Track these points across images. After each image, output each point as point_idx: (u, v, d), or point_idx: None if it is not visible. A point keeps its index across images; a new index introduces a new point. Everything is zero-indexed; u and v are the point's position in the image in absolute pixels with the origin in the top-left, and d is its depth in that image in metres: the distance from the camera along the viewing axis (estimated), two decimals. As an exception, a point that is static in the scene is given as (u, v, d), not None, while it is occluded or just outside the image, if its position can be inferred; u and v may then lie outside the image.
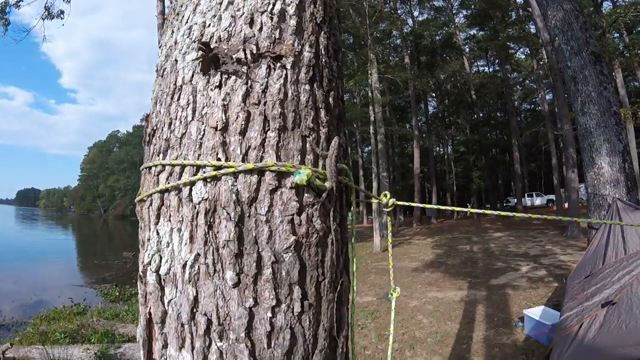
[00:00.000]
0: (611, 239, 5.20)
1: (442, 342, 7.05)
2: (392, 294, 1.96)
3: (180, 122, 1.39)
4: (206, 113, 1.34)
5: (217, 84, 1.36)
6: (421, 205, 1.75)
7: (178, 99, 1.43)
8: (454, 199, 44.42)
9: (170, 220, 1.33)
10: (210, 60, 1.37)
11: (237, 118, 1.30)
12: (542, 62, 30.43)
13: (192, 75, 1.41)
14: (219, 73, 1.36)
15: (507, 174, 46.69)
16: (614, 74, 22.53)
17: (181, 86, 1.43)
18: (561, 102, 21.21)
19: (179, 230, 1.30)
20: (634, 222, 5.05)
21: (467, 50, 41.17)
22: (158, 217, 1.37)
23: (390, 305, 1.96)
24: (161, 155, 1.43)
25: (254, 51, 1.37)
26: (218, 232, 1.24)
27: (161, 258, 1.32)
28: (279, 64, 1.38)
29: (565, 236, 18.12)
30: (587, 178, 7.40)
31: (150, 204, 1.41)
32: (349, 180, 1.55)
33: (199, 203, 1.28)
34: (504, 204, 44.76)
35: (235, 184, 1.26)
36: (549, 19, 8.04)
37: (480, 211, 1.91)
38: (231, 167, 1.26)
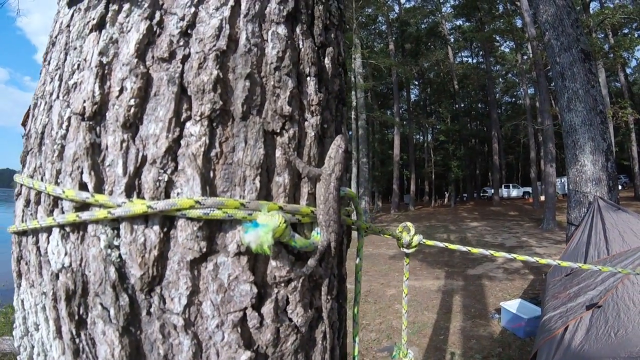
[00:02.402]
0: (593, 237, 5.23)
1: (419, 332, 7.08)
2: (397, 355, 1.32)
3: (45, 102, 0.82)
4: (75, 84, 0.75)
5: (96, 21, 0.75)
6: (446, 245, 1.34)
7: (49, 61, 0.86)
8: (432, 187, 44.86)
9: (33, 287, 0.79)
10: None
11: (121, 91, 0.70)
12: (526, 57, 30.70)
13: (72, 16, 0.82)
14: (103, 2, 0.76)
15: (485, 164, 47.49)
16: (596, 73, 23.00)
17: (56, 37, 0.86)
18: (543, 97, 21.52)
19: (44, 309, 0.76)
20: (616, 222, 5.11)
21: (452, 40, 41.24)
22: (19, 275, 0.84)
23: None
24: (22, 166, 0.88)
25: None
26: (94, 337, 0.70)
27: (33, 347, 0.81)
28: None
29: (541, 229, 18.48)
30: (569, 174, 7.46)
31: (12, 248, 0.87)
32: (356, 218, 1.00)
33: (58, 274, 0.73)
34: (481, 194, 45.49)
35: (114, 242, 0.70)
36: (541, 14, 7.99)
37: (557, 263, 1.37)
38: (102, 204, 0.69)
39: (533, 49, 23.19)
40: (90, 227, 0.70)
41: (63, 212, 0.73)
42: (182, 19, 0.72)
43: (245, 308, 0.72)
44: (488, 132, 40.01)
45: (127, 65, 0.70)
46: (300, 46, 0.83)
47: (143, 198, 0.69)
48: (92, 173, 0.70)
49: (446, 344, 6.55)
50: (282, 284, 0.76)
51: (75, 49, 0.77)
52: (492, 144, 35.75)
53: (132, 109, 0.70)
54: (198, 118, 0.70)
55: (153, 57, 0.72)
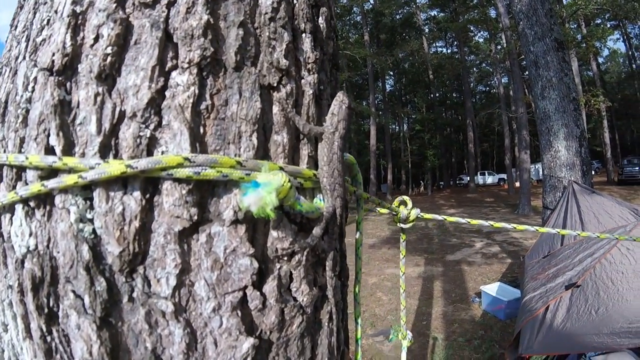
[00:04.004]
0: (568, 220, 5.42)
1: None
2: (394, 337, 1.28)
3: (10, 68, 0.72)
4: (44, 40, 0.65)
5: None
6: (446, 218, 1.35)
7: (16, 26, 0.76)
8: (409, 175, 45.33)
9: None
10: None
11: (96, 40, 0.62)
12: (500, 47, 31.20)
13: None
14: None
15: (461, 152, 48.25)
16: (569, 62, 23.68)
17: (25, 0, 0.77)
18: (517, 86, 21.97)
19: (11, 307, 0.65)
20: (590, 205, 5.29)
21: (427, 30, 41.42)
22: None
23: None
24: None
25: None
26: (68, 334, 0.60)
27: (3, 352, 0.69)
28: None
29: (516, 214, 18.91)
30: (544, 160, 7.68)
31: None
32: (357, 186, 0.93)
33: (23, 260, 0.62)
34: (457, 182, 46.24)
35: (87, 215, 0.60)
36: (515, 3, 8.16)
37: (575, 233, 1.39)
38: (72, 168, 0.59)
39: (507, 39, 23.59)
40: (58, 199, 0.60)
41: (27, 184, 0.62)
42: None
43: (245, 287, 0.63)
44: (463, 120, 40.62)
45: (104, 10, 0.62)
46: (294, 1, 0.77)
47: (121, 159, 0.60)
48: (61, 134, 0.60)
49: (429, 328, 6.66)
50: (285, 258, 0.67)
51: (45, 3, 0.68)
52: (467, 132, 36.29)
53: (109, 58, 0.61)
54: (186, 65, 0.62)
55: (134, 3, 0.64)
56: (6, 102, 0.69)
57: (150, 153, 0.61)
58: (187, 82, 0.62)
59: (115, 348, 0.58)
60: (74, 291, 0.58)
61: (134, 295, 0.59)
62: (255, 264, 0.64)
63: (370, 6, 37.60)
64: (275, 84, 0.70)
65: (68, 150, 0.61)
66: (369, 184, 33.84)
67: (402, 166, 46.13)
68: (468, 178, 38.13)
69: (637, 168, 26.65)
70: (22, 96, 0.65)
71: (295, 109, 0.73)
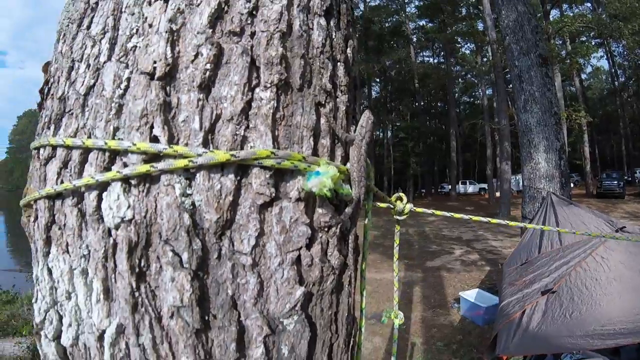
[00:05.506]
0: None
1: (382, 322, 7.27)
2: (385, 320, 1.45)
3: (88, 65, 0.85)
4: (135, 47, 0.82)
5: None
6: (434, 212, 1.52)
7: (88, 26, 0.89)
8: (391, 182, 45.65)
9: (68, 253, 0.81)
10: None
11: (196, 56, 0.79)
12: (486, 59, 31.79)
13: None
14: None
15: (443, 161, 48.73)
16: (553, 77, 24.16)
17: (96, 3, 0.90)
18: (501, 98, 22.46)
19: (84, 272, 0.79)
20: (568, 216, 5.48)
21: (415, 40, 41.98)
22: (48, 242, 0.85)
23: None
24: (52, 128, 0.88)
25: None
26: (157, 287, 0.75)
27: (61, 318, 0.82)
28: None
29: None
30: (524, 171, 7.90)
31: (36, 218, 0.88)
32: (369, 180, 1.10)
33: (117, 228, 0.76)
34: (439, 190, 46.78)
35: (188, 191, 0.77)
36: (502, 19, 8.39)
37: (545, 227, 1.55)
38: (181, 155, 0.76)
39: (493, 52, 24.07)
40: (163, 178, 0.76)
41: (127, 166, 0.77)
42: (249, 0, 0.85)
43: (301, 248, 0.82)
44: (446, 130, 41.15)
45: (203, 34, 0.80)
46: (333, 36, 0.99)
47: (218, 149, 0.79)
48: (165, 128, 0.77)
49: (408, 333, 6.77)
50: (325, 229, 0.87)
51: (132, 14, 0.84)
52: (450, 141, 36.85)
53: (208, 73, 0.79)
54: (268, 85, 0.82)
55: (222, 30, 0.82)
56: (86, 95, 0.84)
57: (242, 147, 0.80)
58: (269, 97, 0.82)
59: (202, 296, 0.75)
60: (172, 250, 0.74)
61: (222, 252, 0.77)
62: (309, 231, 0.83)
63: (360, 13, 37.92)
64: (323, 102, 0.92)
65: (170, 140, 0.77)
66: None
67: (385, 172, 46.41)
68: (449, 186, 38.68)
69: (615, 182, 27.36)
70: (114, 92, 0.80)
71: (334, 118, 0.96)
